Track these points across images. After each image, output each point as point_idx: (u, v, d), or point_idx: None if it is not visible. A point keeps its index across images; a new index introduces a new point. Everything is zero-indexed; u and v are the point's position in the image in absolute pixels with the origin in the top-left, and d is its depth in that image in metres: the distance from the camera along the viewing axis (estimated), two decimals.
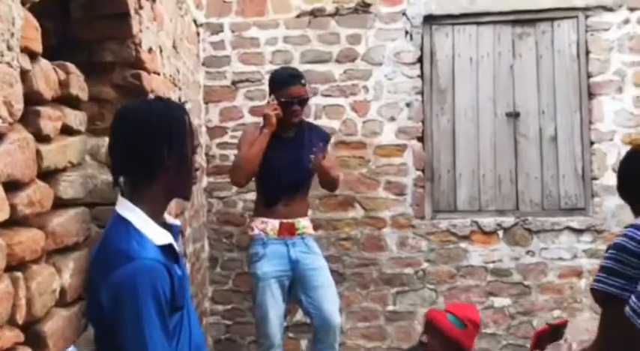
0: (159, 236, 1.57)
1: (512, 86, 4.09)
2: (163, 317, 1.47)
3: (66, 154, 1.49)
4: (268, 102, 3.27)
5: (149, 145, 1.54)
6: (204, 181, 4.17)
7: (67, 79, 1.49)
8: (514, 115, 4.08)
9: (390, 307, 4.10)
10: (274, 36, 4.17)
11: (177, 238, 1.73)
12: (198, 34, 4.10)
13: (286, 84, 3.17)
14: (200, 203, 3.99)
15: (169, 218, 1.75)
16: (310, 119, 4.12)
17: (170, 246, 1.60)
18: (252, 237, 3.34)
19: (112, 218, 1.62)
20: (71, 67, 1.51)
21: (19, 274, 1.23)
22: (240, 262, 4.18)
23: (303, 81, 3.23)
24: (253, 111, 4.18)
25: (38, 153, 1.33)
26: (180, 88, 3.27)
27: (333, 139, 4.12)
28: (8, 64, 1.19)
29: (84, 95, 1.62)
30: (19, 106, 1.23)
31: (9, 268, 1.21)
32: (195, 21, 3.98)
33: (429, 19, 4.11)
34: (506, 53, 4.09)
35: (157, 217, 1.65)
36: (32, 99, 1.33)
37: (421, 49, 4.11)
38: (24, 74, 1.27)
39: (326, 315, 3.24)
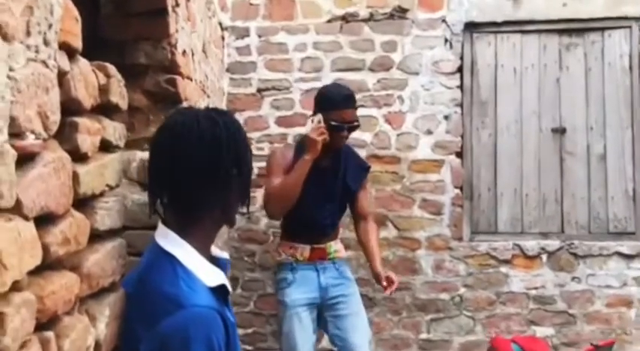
0: (210, 276, 1.30)
1: (559, 100, 3.81)
2: None
3: (104, 176, 1.22)
4: (311, 120, 2.80)
5: (217, 169, 1.27)
6: None
7: (107, 84, 1.22)
8: (560, 131, 3.80)
9: (424, 336, 3.80)
10: (303, 42, 3.90)
11: (227, 273, 1.46)
12: (222, 38, 3.84)
13: (339, 106, 2.73)
14: None
15: (217, 250, 1.48)
16: None
17: (222, 287, 1.32)
18: (280, 262, 3.04)
19: (151, 251, 1.34)
20: (112, 69, 1.24)
21: (49, 334, 0.95)
22: (262, 282, 3.90)
23: (356, 104, 2.84)
24: (280, 121, 3.91)
25: (75, 176, 1.06)
26: (208, 96, 3.00)
27: (364, 153, 3.86)
28: (44, 63, 0.92)
29: (124, 103, 1.34)
30: (55, 118, 0.95)
31: (38, 327, 0.93)
32: (220, 24, 3.72)
33: (470, 27, 3.85)
34: (553, 64, 3.82)
35: (207, 250, 1.38)
36: (69, 108, 1.06)
37: (461, 58, 3.84)
38: (61, 77, 1.00)
39: (353, 348, 2.93)
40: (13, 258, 0.80)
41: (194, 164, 1.28)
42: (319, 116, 2.72)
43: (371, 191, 3.85)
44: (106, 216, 1.25)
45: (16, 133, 0.84)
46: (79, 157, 1.09)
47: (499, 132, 3.85)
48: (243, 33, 3.92)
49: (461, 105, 3.84)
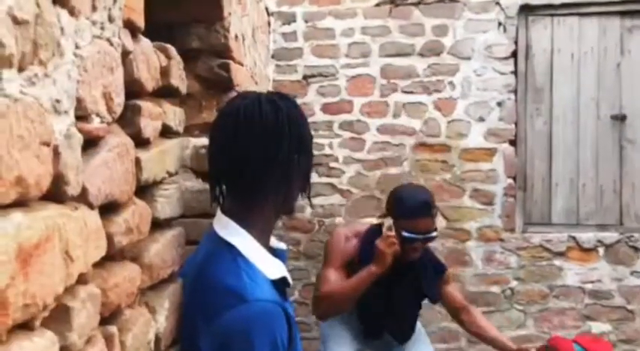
0: (272, 268, 1.24)
1: (619, 86, 3.63)
2: None
3: (165, 163, 1.16)
4: (378, 225, 2.41)
5: (279, 154, 1.21)
6: None
7: (167, 66, 1.16)
8: (620, 118, 3.62)
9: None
10: (351, 26, 3.81)
11: (285, 264, 1.39)
12: (268, 23, 3.77)
13: (413, 214, 2.32)
14: None
15: (274, 241, 1.41)
16: (388, 118, 3.77)
17: (283, 279, 1.26)
18: None
19: (210, 240, 1.29)
20: (172, 50, 1.18)
21: (113, 328, 0.90)
22: (306, 271, 3.85)
23: (434, 211, 2.41)
24: (325, 108, 3.83)
25: (137, 162, 1.00)
26: (256, 83, 2.94)
27: (412, 141, 3.76)
28: (109, 41, 0.86)
29: (183, 87, 1.29)
30: (119, 100, 0.90)
31: (101, 321, 0.88)
32: (267, 9, 3.65)
33: (526, 9, 3.69)
34: (613, 48, 3.64)
35: (267, 240, 1.32)
36: (131, 91, 1.00)
37: (516, 42, 3.69)
38: (124, 56, 0.94)
39: None
40: (79, 249, 0.75)
41: (255, 150, 1.22)
42: (389, 222, 2.34)
43: (419, 180, 3.76)
44: (166, 204, 1.19)
45: (82, 115, 0.78)
46: (141, 142, 1.03)
47: (555, 119, 3.69)
48: (290, 18, 3.85)
49: (515, 91, 3.69)
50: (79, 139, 0.75)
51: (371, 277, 2.31)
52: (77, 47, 0.75)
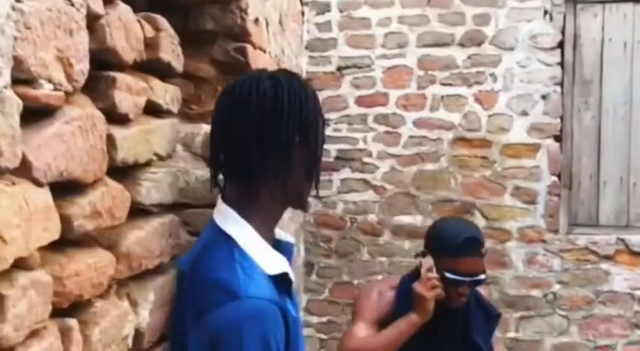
0: (272, 262, 1.13)
1: None
2: None
3: (151, 143, 1.07)
4: (416, 272, 2.03)
5: (276, 134, 1.11)
6: None
7: (155, 38, 1.06)
8: None
9: (512, 334, 3.51)
10: (388, 16, 3.66)
11: (292, 260, 1.28)
12: (302, 13, 3.67)
13: (458, 253, 1.92)
14: None
15: (281, 233, 1.30)
16: (425, 111, 3.61)
17: (284, 275, 1.15)
18: None
19: (208, 230, 1.19)
20: (162, 21, 1.08)
21: (72, 322, 0.81)
22: (338, 269, 3.73)
23: (483, 250, 1.99)
24: (360, 101, 3.70)
25: (110, 140, 0.91)
26: None
27: (450, 135, 3.59)
28: (69, 0, 0.76)
29: (178, 64, 1.19)
30: (82, 67, 0.80)
31: (58, 313, 0.79)
32: None
33: None
34: None
35: (269, 232, 1.21)
36: (105, 60, 0.91)
37: (562, 31, 3.47)
38: (93, 21, 0.84)
39: None
40: (16, 230, 0.66)
41: (251, 128, 1.12)
42: (430, 261, 1.96)
43: (457, 176, 3.59)
44: (153, 189, 1.10)
45: (25, 79, 0.69)
46: (117, 118, 0.94)
47: (604, 114, 3.46)
48: (324, 8, 3.73)
49: (561, 84, 3.48)
50: (16, 104, 0.66)
51: (411, 328, 1.92)
52: (18, 0, 0.66)
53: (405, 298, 1.98)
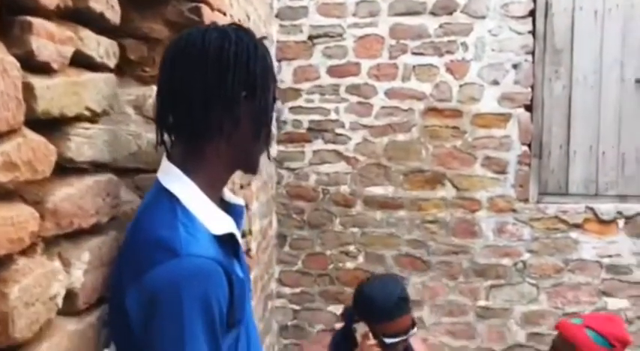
0: (217, 222, 1.10)
1: None
2: (216, 341, 1.02)
3: (80, 97, 1.02)
4: (347, 329, 2.07)
5: (221, 87, 1.07)
6: (274, 149, 3.70)
7: None
8: None
9: (482, 303, 3.53)
10: None
11: (241, 224, 1.25)
12: None
13: (393, 316, 1.98)
14: (269, 174, 3.53)
15: (231, 195, 1.27)
16: (397, 81, 3.58)
17: (231, 236, 1.12)
18: None
19: (152, 190, 1.16)
20: None
21: None
22: (310, 241, 3.72)
23: (410, 305, 2.06)
24: (331, 71, 3.66)
25: (29, 88, 0.86)
26: None
27: (422, 105, 3.57)
28: None
29: (113, 16, 1.14)
30: None
31: None
32: None
33: None
34: None
35: (216, 192, 1.18)
36: (24, 6, 0.86)
37: (534, 0, 3.44)
38: None
39: None
40: None
41: (195, 80, 1.08)
42: (364, 328, 1.99)
43: (428, 147, 3.57)
44: (86, 145, 1.06)
45: None
46: (37, 67, 0.89)
47: (575, 83, 3.45)
48: None
49: (532, 53, 3.46)
50: None
51: None
52: None
53: None
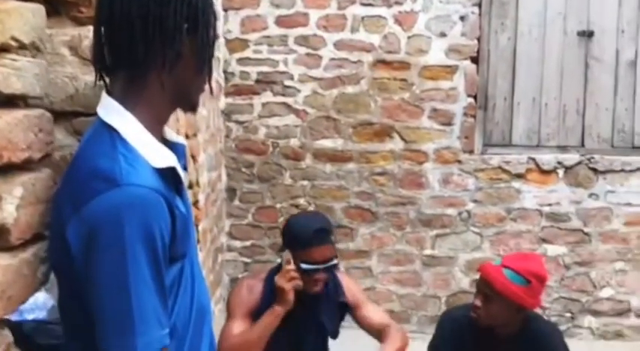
0: (157, 155, 1.08)
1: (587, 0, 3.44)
2: (159, 272, 1.02)
3: (4, 25, 0.98)
4: (280, 264, 2.16)
5: (162, 19, 1.04)
6: (222, 101, 3.65)
7: None
8: (587, 35, 3.45)
9: (428, 251, 3.64)
10: None
11: (183, 162, 1.24)
12: None
13: (310, 244, 2.08)
14: (217, 127, 3.48)
15: (172, 134, 1.25)
16: (346, 32, 3.56)
17: (173, 171, 1.11)
18: None
19: (92, 126, 1.13)
20: None
21: None
22: (260, 194, 3.73)
23: (333, 237, 2.17)
24: (280, 21, 3.60)
25: None
26: None
27: (371, 57, 3.57)
28: None
29: None
30: None
31: None
32: None
33: None
34: None
35: (156, 129, 1.15)
36: None
37: None
38: None
39: None
40: None
41: (136, 12, 1.04)
42: (288, 255, 2.11)
43: (377, 99, 3.59)
44: (14, 77, 1.02)
45: None
46: None
47: (519, 35, 3.51)
48: None
49: (479, 5, 3.49)
50: None
51: (276, 318, 2.07)
52: None
53: (271, 289, 2.13)
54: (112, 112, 1.09)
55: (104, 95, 1.14)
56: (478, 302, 2.04)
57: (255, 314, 2.15)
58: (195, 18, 1.10)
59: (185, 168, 1.23)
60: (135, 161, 1.03)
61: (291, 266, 2.08)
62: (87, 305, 1.00)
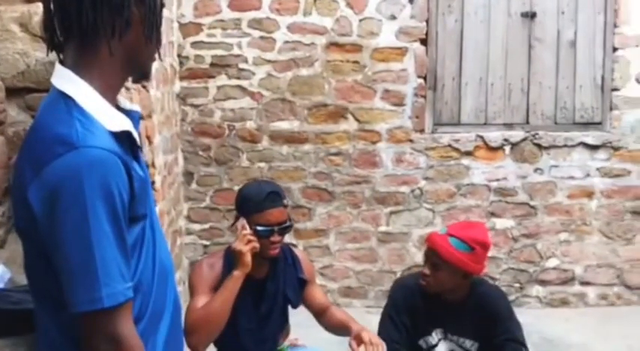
0: (112, 119, 1.13)
1: None
2: (119, 228, 1.06)
3: None
4: (235, 227, 2.25)
5: None
6: (177, 85, 3.67)
7: None
8: (530, 16, 3.60)
9: (383, 228, 3.75)
10: None
11: (138, 129, 1.29)
12: None
13: (262, 206, 2.16)
14: (172, 110, 3.51)
15: (126, 102, 1.30)
16: (299, 16, 3.62)
17: (129, 135, 1.16)
18: None
19: (48, 95, 1.17)
20: None
21: None
22: (218, 177, 3.77)
23: (285, 201, 2.24)
24: (233, 5, 3.64)
25: None
26: None
27: (324, 40, 3.64)
28: None
29: None
30: None
31: None
32: None
33: None
34: None
35: (110, 97, 1.20)
36: None
37: None
38: None
39: None
40: None
41: None
42: (243, 221, 2.18)
43: (330, 81, 3.67)
44: None
45: None
46: None
47: (466, 17, 3.63)
48: None
49: None
50: None
51: (236, 282, 2.11)
52: None
53: (230, 263, 2.16)
54: (66, 80, 1.13)
55: (57, 65, 1.18)
56: (427, 271, 2.13)
57: (217, 289, 2.17)
58: None
59: (148, 165, 1.27)
60: (91, 125, 1.08)
61: (248, 231, 2.13)
62: (53, 265, 1.05)
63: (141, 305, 1.12)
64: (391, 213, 3.74)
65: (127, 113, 1.27)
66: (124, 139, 1.14)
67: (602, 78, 3.62)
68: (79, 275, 1.02)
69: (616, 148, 3.63)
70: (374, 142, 3.70)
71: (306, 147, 3.73)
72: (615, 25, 3.57)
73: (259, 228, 2.14)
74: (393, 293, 2.32)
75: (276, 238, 2.17)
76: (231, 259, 2.17)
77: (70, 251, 1.02)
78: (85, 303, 1.01)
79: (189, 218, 3.82)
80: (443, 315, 2.21)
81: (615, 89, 3.60)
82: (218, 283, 2.17)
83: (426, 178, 3.71)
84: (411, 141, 3.68)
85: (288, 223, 2.20)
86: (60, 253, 1.03)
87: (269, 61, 3.68)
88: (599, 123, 3.67)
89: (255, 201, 2.16)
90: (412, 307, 2.22)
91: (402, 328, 2.21)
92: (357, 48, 3.65)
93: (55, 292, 1.05)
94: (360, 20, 3.62)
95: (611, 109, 3.63)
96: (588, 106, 3.66)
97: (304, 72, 3.68)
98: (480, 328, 2.15)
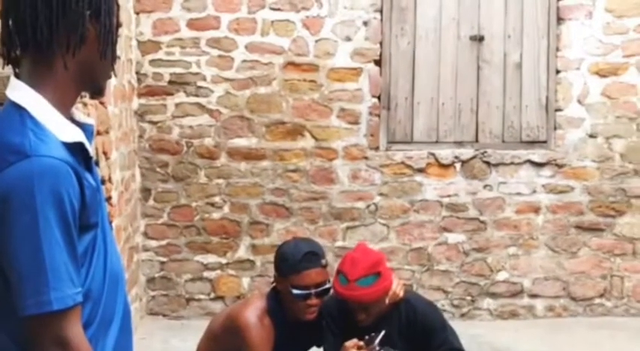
0: (65, 131, 1.17)
1: (478, 6, 3.76)
2: (69, 234, 1.10)
3: None
4: (275, 288, 2.18)
5: (65, 4, 1.13)
6: (135, 102, 3.70)
7: None
8: (478, 39, 3.77)
9: (339, 243, 3.83)
10: None
11: (92, 141, 1.33)
12: None
13: (299, 268, 2.06)
14: (130, 127, 3.53)
15: (80, 115, 1.34)
16: (257, 35, 3.71)
17: (81, 146, 1.20)
18: None
19: (2, 108, 1.21)
20: None
21: None
22: (175, 194, 3.80)
23: (324, 261, 2.15)
24: (192, 24, 3.70)
25: None
26: None
27: (281, 59, 3.73)
28: None
29: None
30: None
31: None
32: None
33: None
34: None
35: (64, 109, 1.24)
36: None
37: None
38: None
39: None
40: None
41: (39, 1, 1.13)
42: (278, 278, 2.13)
43: (288, 100, 3.76)
44: None
45: None
46: None
47: (418, 39, 3.78)
48: None
49: (380, 11, 3.74)
50: None
51: None
52: None
53: (278, 319, 2.11)
54: (20, 92, 1.17)
55: (12, 78, 1.22)
56: (360, 316, 2.09)
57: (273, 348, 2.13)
58: (99, 6, 1.21)
59: (103, 181, 1.32)
60: (44, 136, 1.12)
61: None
62: (3, 270, 1.07)
63: (90, 312, 1.16)
64: (347, 228, 3.83)
65: (81, 126, 1.32)
66: (76, 150, 1.19)
67: (547, 99, 3.81)
68: (29, 279, 1.05)
69: (560, 166, 3.81)
70: (330, 159, 3.79)
71: (264, 163, 3.79)
72: (558, 49, 3.77)
73: (295, 291, 2.04)
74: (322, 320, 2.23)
75: (312, 301, 2.06)
76: (277, 314, 2.12)
77: (19, 255, 1.05)
78: (34, 306, 1.04)
79: (146, 234, 3.82)
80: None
81: (559, 109, 3.79)
82: (273, 342, 2.10)
83: (381, 194, 3.82)
84: (366, 158, 3.79)
85: (327, 285, 2.10)
86: (10, 257, 1.06)
87: (227, 80, 3.74)
88: (545, 141, 3.85)
89: (292, 261, 2.07)
90: (343, 324, 2.18)
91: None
92: (313, 68, 3.75)
93: (7, 298, 1.08)
94: (317, 41, 3.73)
95: (555, 128, 3.81)
96: (534, 125, 3.84)
97: (262, 90, 3.76)
98: (414, 343, 2.14)
